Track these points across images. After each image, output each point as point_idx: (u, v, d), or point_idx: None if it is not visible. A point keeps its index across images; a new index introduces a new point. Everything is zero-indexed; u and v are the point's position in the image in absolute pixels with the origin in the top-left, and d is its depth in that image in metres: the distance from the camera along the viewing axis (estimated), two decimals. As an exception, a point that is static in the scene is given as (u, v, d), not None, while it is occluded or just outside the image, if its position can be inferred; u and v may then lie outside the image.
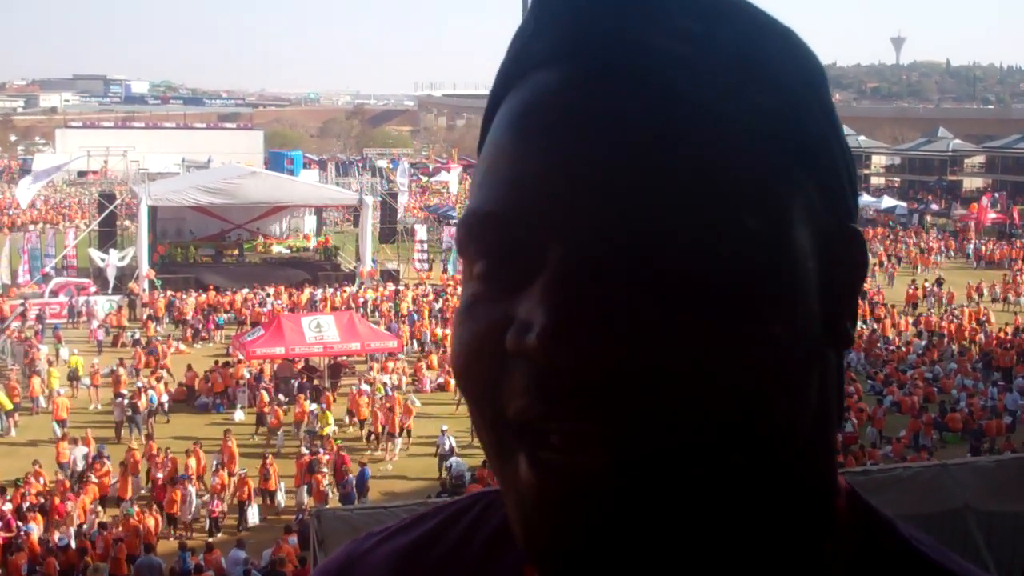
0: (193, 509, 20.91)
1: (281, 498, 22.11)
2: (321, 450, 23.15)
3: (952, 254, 62.45)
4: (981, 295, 45.54)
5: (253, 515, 21.41)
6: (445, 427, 23.95)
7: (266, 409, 26.61)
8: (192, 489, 21.00)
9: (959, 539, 9.99)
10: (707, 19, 0.71)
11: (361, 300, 41.57)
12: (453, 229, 35.12)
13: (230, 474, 21.99)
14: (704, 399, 0.64)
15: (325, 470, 22.18)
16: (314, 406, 26.38)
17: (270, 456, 22.83)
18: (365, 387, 27.96)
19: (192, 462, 22.35)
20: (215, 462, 22.56)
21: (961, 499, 10.84)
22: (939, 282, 46.86)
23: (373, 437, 25.74)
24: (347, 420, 27.04)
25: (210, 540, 19.85)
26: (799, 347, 0.68)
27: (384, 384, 28.56)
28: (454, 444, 23.56)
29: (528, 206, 0.67)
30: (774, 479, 0.70)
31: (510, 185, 0.68)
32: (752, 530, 0.70)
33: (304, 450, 23.15)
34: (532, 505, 0.67)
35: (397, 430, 25.20)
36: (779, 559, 0.73)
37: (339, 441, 24.60)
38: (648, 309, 0.64)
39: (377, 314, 39.90)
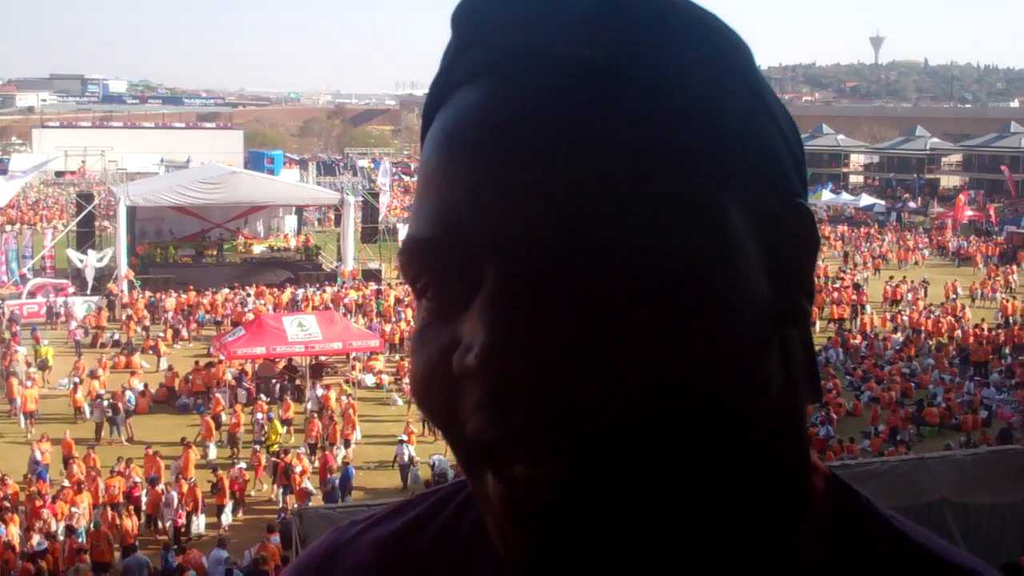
0: (172, 512, 20.75)
1: (227, 517, 21.41)
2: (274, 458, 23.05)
3: (928, 252, 62.78)
4: (957, 293, 45.77)
5: (199, 526, 21.05)
6: (404, 437, 23.68)
7: (221, 410, 26.42)
8: (174, 493, 20.87)
9: (935, 531, 10.09)
10: (620, 22, 0.70)
11: (344, 300, 41.59)
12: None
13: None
14: (654, 401, 0.64)
15: (299, 468, 22.20)
16: (260, 415, 25.96)
17: (220, 471, 22.36)
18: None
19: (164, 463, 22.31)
20: (173, 472, 22.34)
21: (937, 492, 11.01)
22: (925, 283, 47.03)
23: (308, 448, 24.77)
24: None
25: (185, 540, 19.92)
26: (748, 334, 0.68)
27: (347, 390, 28.52)
28: (413, 454, 23.28)
29: (460, 229, 0.67)
30: (743, 466, 0.70)
31: (441, 209, 0.69)
32: (726, 518, 0.71)
33: (242, 465, 22.76)
34: (503, 520, 0.68)
35: (339, 440, 24.80)
36: (757, 543, 0.74)
37: (276, 446, 24.13)
38: (586, 319, 0.64)
39: (360, 313, 39.93)
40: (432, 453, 22.98)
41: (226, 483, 21.47)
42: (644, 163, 0.66)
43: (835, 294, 43.64)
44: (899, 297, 44.75)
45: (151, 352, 34.53)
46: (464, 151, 0.68)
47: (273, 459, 23.15)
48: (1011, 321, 41.63)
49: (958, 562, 0.76)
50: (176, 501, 20.62)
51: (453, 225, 0.68)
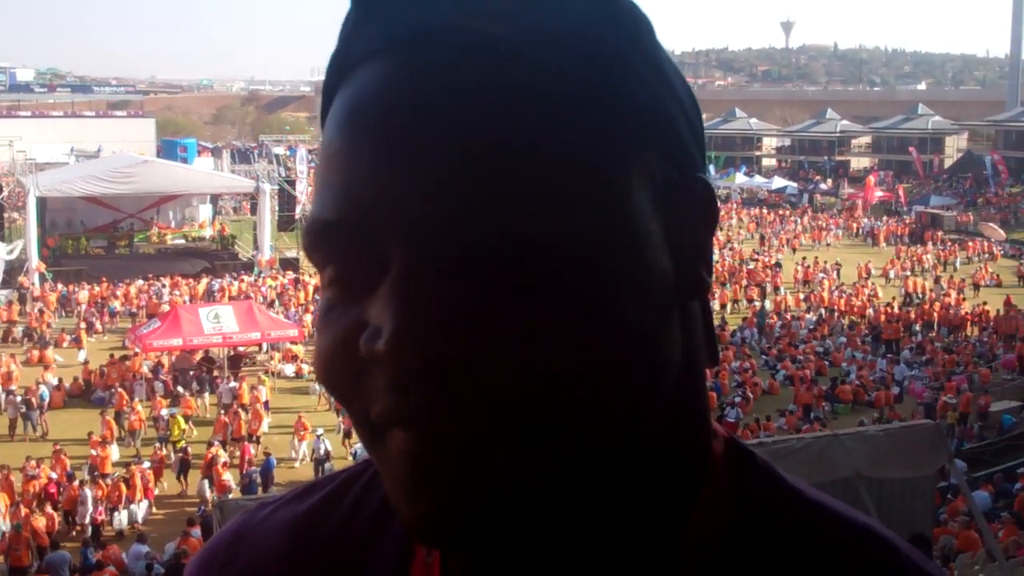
0: (89, 509, 20.48)
1: (138, 512, 21.10)
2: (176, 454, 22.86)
3: (840, 232, 63.81)
4: (869, 274, 46.54)
5: (121, 521, 20.78)
6: (320, 431, 23.59)
7: (125, 408, 26.00)
8: (88, 491, 20.60)
9: (851, 505, 10.33)
10: None
11: (261, 289, 41.27)
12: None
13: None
14: (560, 377, 0.65)
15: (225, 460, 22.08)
16: (165, 411, 25.33)
17: (132, 466, 22.08)
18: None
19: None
20: (88, 469, 22.06)
21: (852, 467, 11.21)
22: (837, 265, 47.72)
23: (218, 443, 24.01)
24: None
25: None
26: (651, 308, 0.69)
27: (264, 381, 28.31)
28: (329, 448, 23.17)
29: (364, 212, 0.67)
30: (646, 433, 0.72)
31: (344, 191, 0.68)
32: (629, 483, 0.73)
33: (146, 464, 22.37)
34: (406, 480, 0.68)
35: (244, 435, 24.47)
36: (659, 506, 0.76)
37: (181, 442, 23.86)
38: (492, 302, 0.65)
39: (278, 302, 39.66)
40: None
41: (138, 479, 21.28)
42: (548, 141, 0.66)
43: (754, 276, 44.28)
44: (809, 278, 45.50)
45: (72, 343, 34.02)
46: (368, 132, 0.67)
47: (180, 455, 22.91)
48: (915, 299, 42.54)
49: (852, 517, 0.79)
50: (90, 498, 20.34)
51: (358, 208, 0.67)
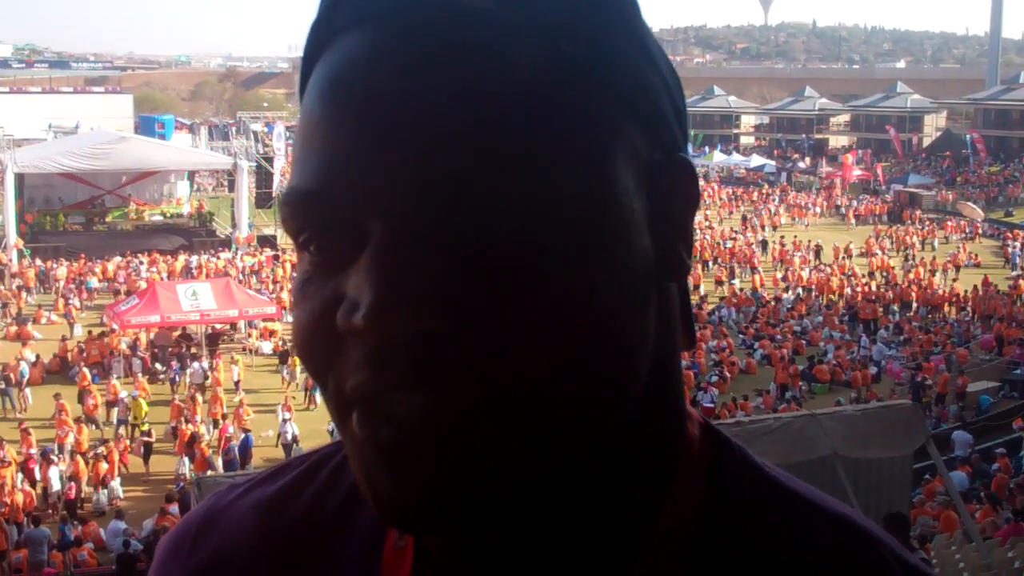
0: (56, 487, 20.49)
1: (117, 489, 21.11)
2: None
3: (819, 211, 63.92)
4: (850, 255, 46.39)
5: (102, 499, 20.74)
6: (287, 415, 23.41)
7: (87, 384, 25.84)
8: (55, 468, 20.61)
9: (828, 485, 10.41)
10: None
11: (239, 266, 41.18)
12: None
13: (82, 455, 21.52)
14: (536, 353, 0.65)
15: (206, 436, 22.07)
16: (124, 394, 24.81)
17: (110, 443, 22.17)
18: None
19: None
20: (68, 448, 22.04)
21: (829, 447, 11.27)
22: (818, 246, 47.72)
23: (170, 430, 24.04)
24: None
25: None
26: (631, 289, 0.69)
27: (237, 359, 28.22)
28: (296, 432, 23.00)
29: (345, 182, 0.66)
30: (621, 412, 0.71)
31: (326, 161, 0.67)
32: (604, 463, 0.73)
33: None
34: (372, 460, 0.68)
35: (220, 416, 24.41)
36: (635, 489, 0.76)
37: (145, 425, 23.48)
38: (472, 276, 0.64)
39: (256, 280, 39.59)
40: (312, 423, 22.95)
41: (116, 456, 21.24)
42: (532, 115, 0.65)
43: (737, 255, 44.34)
44: (785, 257, 45.52)
45: (64, 319, 33.96)
46: (350, 102, 0.67)
47: (143, 438, 22.81)
48: (877, 277, 42.61)
49: (829, 506, 0.79)
50: (56, 476, 20.37)
51: (339, 178, 0.66)
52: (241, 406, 24.23)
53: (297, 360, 26.59)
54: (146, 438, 22.88)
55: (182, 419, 23.77)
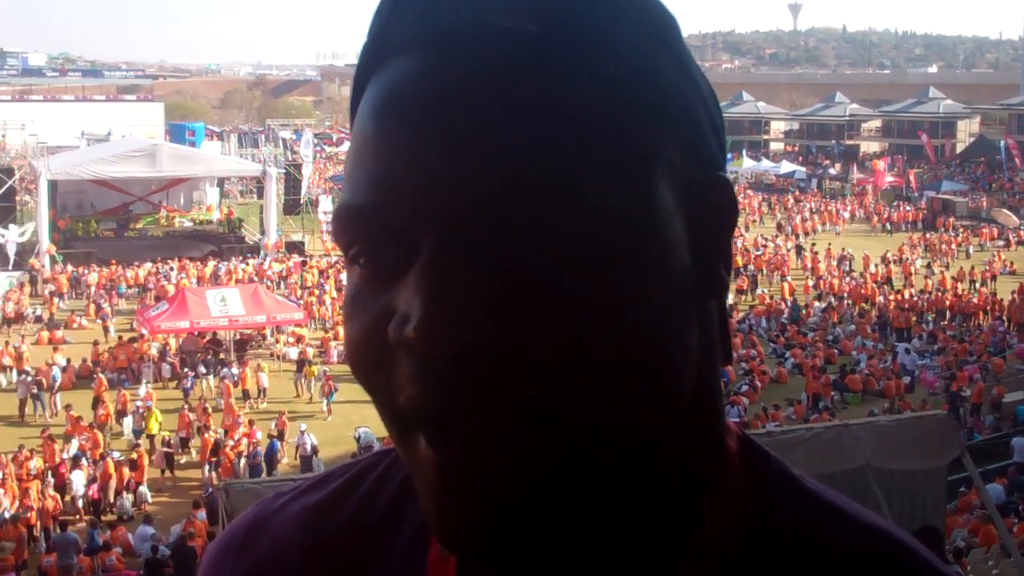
0: (79, 492, 20.53)
1: (147, 493, 21.13)
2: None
3: (847, 215, 63.29)
4: (888, 263, 45.45)
5: (127, 504, 20.77)
6: (304, 426, 23.21)
7: (102, 392, 25.76)
8: (79, 473, 20.66)
9: (860, 497, 10.24)
10: None
11: (267, 273, 41.27)
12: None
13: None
14: (584, 368, 0.66)
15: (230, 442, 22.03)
16: (140, 403, 24.77)
17: (140, 447, 22.22)
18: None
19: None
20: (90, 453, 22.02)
21: (862, 458, 11.11)
22: (849, 256, 47.03)
23: (180, 439, 23.99)
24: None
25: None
26: (673, 306, 0.71)
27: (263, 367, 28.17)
28: (315, 442, 22.77)
29: (397, 198, 0.68)
30: (665, 429, 0.73)
31: (378, 177, 0.69)
32: (649, 479, 0.74)
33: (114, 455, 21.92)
34: (437, 487, 0.69)
35: (212, 427, 23.77)
36: (677, 502, 0.77)
37: (166, 434, 23.58)
38: (519, 291, 0.66)
39: (284, 286, 39.65)
40: (351, 430, 22.87)
41: (146, 460, 21.24)
42: (578, 135, 0.68)
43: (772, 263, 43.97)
44: (815, 264, 44.99)
45: (100, 322, 34.14)
46: (401, 120, 0.69)
47: (164, 448, 22.76)
48: (892, 282, 42.07)
49: (866, 519, 0.79)
50: (79, 480, 20.46)
51: (390, 194, 0.68)
52: (283, 414, 24.28)
53: (314, 370, 27.07)
54: (167, 448, 22.89)
55: (195, 428, 23.71)
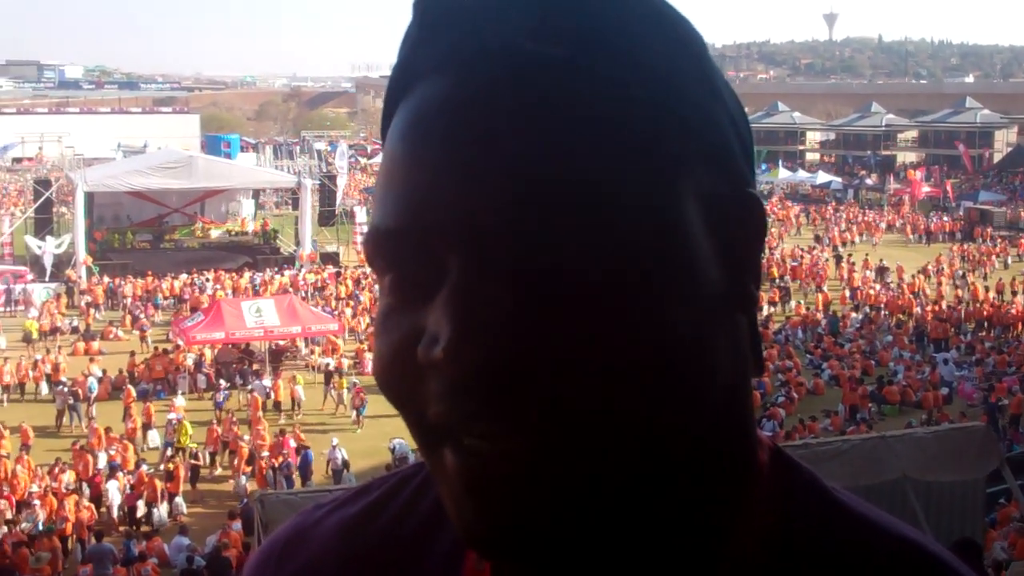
0: (116, 502, 20.65)
1: (182, 504, 21.19)
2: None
3: (891, 228, 62.83)
4: (927, 275, 44.91)
5: (162, 515, 20.81)
6: (336, 440, 23.17)
7: (130, 403, 25.84)
8: (114, 483, 20.75)
9: (897, 509, 10.16)
10: (581, 17, 0.72)
11: (301, 283, 41.41)
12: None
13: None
14: (612, 386, 0.67)
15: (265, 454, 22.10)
16: (173, 415, 24.71)
17: (177, 459, 22.28)
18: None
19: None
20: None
21: (899, 470, 11.03)
22: (884, 268, 46.59)
23: (208, 453, 23.89)
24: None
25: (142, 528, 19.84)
26: (701, 321, 0.71)
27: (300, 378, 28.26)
28: (346, 456, 22.69)
29: (423, 221, 0.69)
30: (693, 444, 0.73)
31: (405, 201, 0.70)
32: (679, 492, 0.75)
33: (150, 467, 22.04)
34: (461, 493, 0.70)
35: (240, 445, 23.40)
36: (707, 515, 0.77)
37: (195, 446, 23.51)
38: (547, 310, 0.67)
39: (319, 296, 39.78)
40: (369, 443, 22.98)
41: (181, 472, 21.32)
42: (607, 156, 0.69)
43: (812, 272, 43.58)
44: (851, 275, 44.61)
45: (139, 332, 34.41)
46: (429, 143, 0.70)
47: (190, 461, 22.76)
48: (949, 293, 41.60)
49: (899, 531, 0.79)
50: (113, 490, 20.54)
51: (418, 216, 0.69)
52: (295, 427, 24.19)
53: (344, 381, 27.10)
54: (193, 460, 22.93)
55: (221, 443, 23.67)
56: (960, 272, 46.46)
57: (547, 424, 0.67)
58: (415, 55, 0.75)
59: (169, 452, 23.56)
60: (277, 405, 27.11)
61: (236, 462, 22.56)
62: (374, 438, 23.78)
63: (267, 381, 27.84)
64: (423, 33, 0.75)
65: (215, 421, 24.88)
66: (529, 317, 0.67)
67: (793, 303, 40.14)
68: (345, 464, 22.59)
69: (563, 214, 0.67)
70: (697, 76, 0.76)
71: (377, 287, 0.75)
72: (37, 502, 19.86)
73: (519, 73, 0.70)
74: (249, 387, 27.83)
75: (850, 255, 48.21)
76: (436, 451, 0.72)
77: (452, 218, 0.68)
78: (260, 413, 25.49)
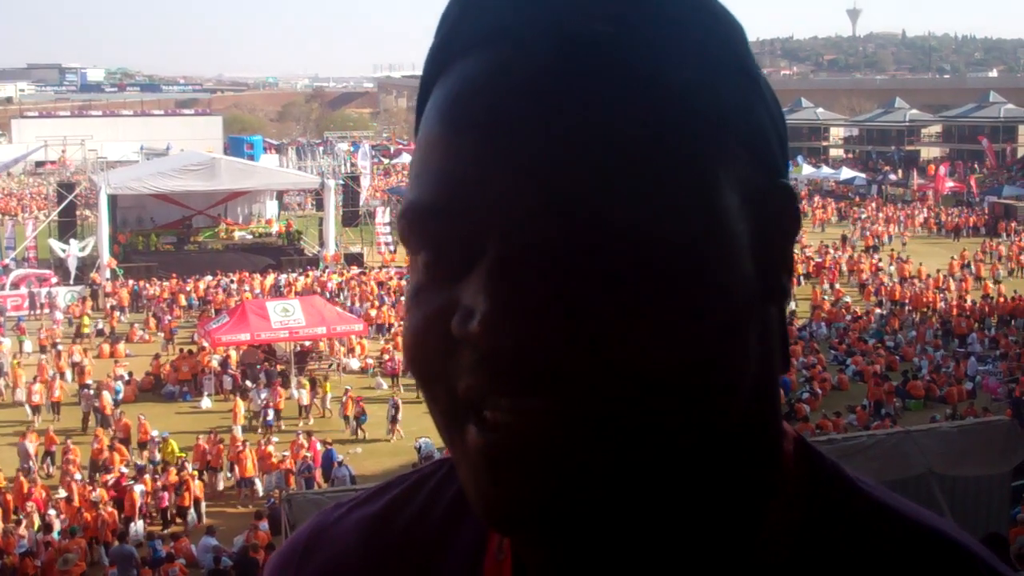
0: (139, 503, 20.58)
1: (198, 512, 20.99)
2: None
3: (915, 223, 62.53)
4: (952, 272, 44.32)
5: (192, 517, 20.83)
6: (340, 457, 22.46)
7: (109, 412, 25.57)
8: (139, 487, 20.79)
9: (923, 503, 10.10)
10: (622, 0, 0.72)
11: (326, 284, 41.52)
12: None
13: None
14: (642, 370, 0.67)
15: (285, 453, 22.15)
16: (155, 433, 23.99)
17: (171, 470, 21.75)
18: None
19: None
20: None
21: (924, 464, 11.06)
22: (902, 261, 46.32)
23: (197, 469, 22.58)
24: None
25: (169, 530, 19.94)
26: (734, 311, 0.71)
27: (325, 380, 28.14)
28: (353, 473, 21.83)
29: (463, 199, 0.69)
30: (721, 431, 0.73)
31: (444, 178, 0.70)
32: (705, 481, 0.75)
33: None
34: (481, 467, 0.70)
35: (223, 464, 22.92)
36: (734, 505, 0.77)
37: (182, 454, 22.86)
38: (583, 289, 0.67)
39: (343, 297, 39.87)
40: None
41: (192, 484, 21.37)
42: (643, 142, 0.68)
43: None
44: (873, 270, 44.40)
45: (162, 334, 34.55)
46: (470, 122, 0.70)
47: (180, 476, 22.17)
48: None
49: (926, 521, 0.79)
50: (138, 491, 20.50)
51: (457, 195, 0.69)
52: (295, 444, 23.33)
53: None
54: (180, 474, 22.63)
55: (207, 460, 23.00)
56: (1000, 273, 46.12)
57: (576, 401, 0.67)
58: (456, 32, 0.75)
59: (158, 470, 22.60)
60: (302, 410, 26.96)
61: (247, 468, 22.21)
62: (382, 453, 23.75)
63: (263, 394, 27.13)
64: (466, 11, 0.74)
65: (200, 437, 23.65)
66: (564, 299, 0.67)
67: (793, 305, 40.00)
68: (352, 480, 21.82)
69: (603, 197, 0.67)
70: (737, 64, 0.76)
71: (404, 281, 0.76)
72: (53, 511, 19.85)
73: (560, 50, 0.69)
74: (247, 396, 27.33)
75: (872, 249, 47.85)
76: (460, 429, 0.71)
77: (490, 197, 0.68)
78: (239, 428, 24.86)
